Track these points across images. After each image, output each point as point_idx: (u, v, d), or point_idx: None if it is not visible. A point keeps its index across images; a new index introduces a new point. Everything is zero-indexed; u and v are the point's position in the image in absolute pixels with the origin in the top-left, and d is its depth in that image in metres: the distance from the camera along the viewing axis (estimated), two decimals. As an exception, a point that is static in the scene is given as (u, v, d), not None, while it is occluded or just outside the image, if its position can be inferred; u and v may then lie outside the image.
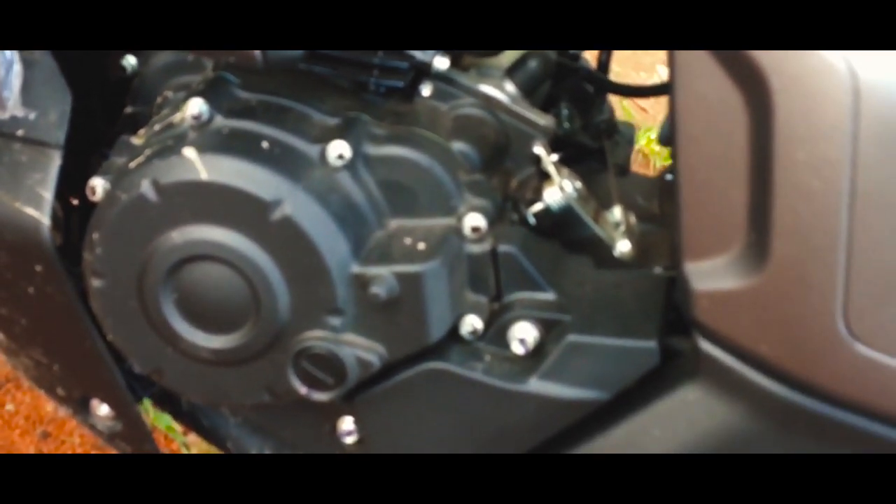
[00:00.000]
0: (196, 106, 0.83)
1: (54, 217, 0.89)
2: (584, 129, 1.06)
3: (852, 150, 0.68)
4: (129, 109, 0.96)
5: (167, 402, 1.04)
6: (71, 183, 0.92)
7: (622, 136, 1.13)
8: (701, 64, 0.72)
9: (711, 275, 0.77)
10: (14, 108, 0.90)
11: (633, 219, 0.92)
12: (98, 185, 0.86)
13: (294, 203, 0.80)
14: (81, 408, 1.01)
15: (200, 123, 0.83)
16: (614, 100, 1.26)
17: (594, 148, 1.04)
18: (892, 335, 0.73)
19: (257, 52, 0.77)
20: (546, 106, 1.02)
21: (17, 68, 0.90)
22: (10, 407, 1.66)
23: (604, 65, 1.10)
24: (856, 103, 0.68)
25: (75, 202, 0.97)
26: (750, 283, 0.75)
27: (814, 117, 0.69)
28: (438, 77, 0.90)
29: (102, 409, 1.00)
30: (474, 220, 0.84)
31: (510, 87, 0.91)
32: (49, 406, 1.59)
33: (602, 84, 1.09)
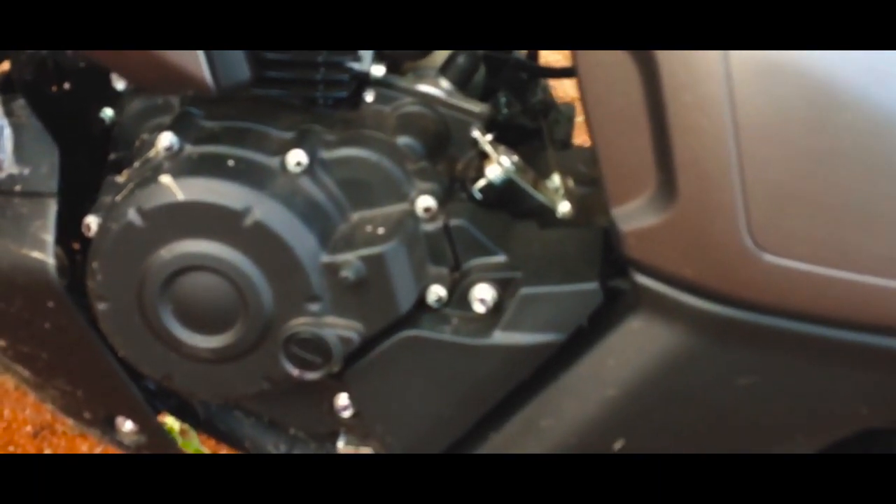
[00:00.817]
0: (167, 139, 0.93)
1: (58, 257, 0.99)
2: (523, 112, 1.15)
3: (728, 87, 0.77)
4: (112, 156, 1.04)
5: (185, 412, 1.13)
6: (70, 227, 1.02)
7: (562, 114, 1.23)
8: None
9: (634, 215, 0.85)
10: (9, 167, 1.00)
11: (571, 183, 1.02)
12: (92, 222, 0.96)
13: (262, 209, 0.90)
14: (108, 427, 1.11)
15: (173, 153, 0.93)
16: (561, 81, 1.36)
17: (533, 128, 1.14)
18: (792, 242, 0.81)
19: (210, 81, 0.87)
20: (485, 96, 1.12)
21: (7, 132, 1.00)
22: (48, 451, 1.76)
23: (533, 53, 1.20)
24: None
25: (76, 246, 1.06)
26: (666, 217, 0.84)
27: (692, 65, 0.78)
28: (378, 83, 0.99)
29: (127, 426, 1.10)
30: (425, 202, 0.93)
31: (444, 83, 1.01)
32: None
33: (532, 70, 1.19)
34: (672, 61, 0.79)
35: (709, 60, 0.78)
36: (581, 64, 0.84)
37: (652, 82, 0.80)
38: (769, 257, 0.82)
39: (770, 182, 0.80)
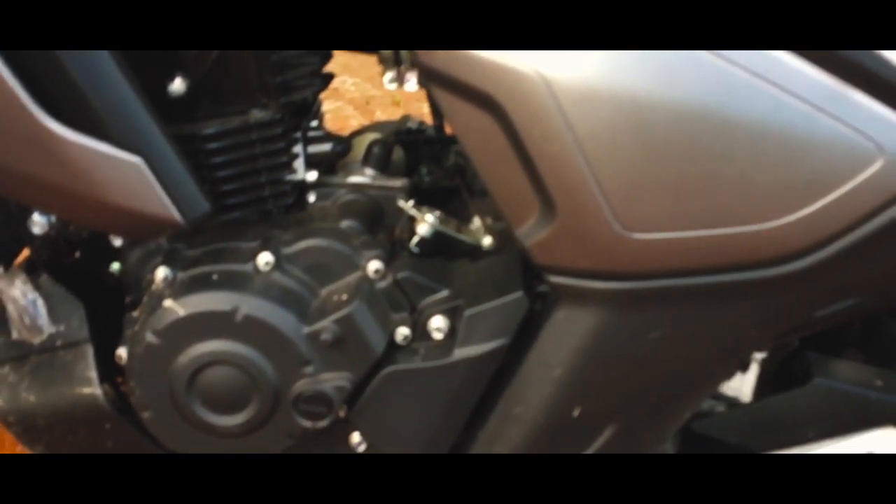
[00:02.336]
0: (162, 272, 1.14)
1: (105, 388, 1.20)
2: (444, 175, 1.36)
3: (562, 116, 0.96)
4: (127, 299, 1.23)
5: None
6: (107, 362, 1.22)
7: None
8: (454, 104, 1.02)
9: (532, 232, 1.03)
10: (48, 328, 1.21)
11: (489, 221, 1.21)
12: (122, 353, 1.17)
13: (247, 305, 1.10)
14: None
15: (169, 282, 1.14)
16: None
17: (454, 186, 1.34)
18: (649, 219, 0.99)
19: (178, 217, 1.06)
20: (409, 171, 1.32)
21: (40, 302, 1.21)
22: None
23: (439, 127, 1.41)
24: (550, 89, 0.96)
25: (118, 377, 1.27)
26: (554, 226, 1.01)
27: (531, 106, 0.96)
28: (315, 185, 1.20)
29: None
30: (374, 266, 1.14)
31: (368, 170, 1.22)
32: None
33: (443, 140, 1.40)
34: (516, 107, 0.97)
35: (541, 98, 0.96)
36: (455, 125, 1.04)
37: (509, 128, 0.99)
38: (637, 235, 1.00)
39: (618, 179, 0.98)
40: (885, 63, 0.93)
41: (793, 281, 1.03)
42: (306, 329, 1.12)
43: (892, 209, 0.98)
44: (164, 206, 1.07)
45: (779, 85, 0.94)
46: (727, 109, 0.95)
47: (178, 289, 1.13)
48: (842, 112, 0.95)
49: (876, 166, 0.96)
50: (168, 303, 1.11)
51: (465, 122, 1.02)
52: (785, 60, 0.94)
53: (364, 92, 2.89)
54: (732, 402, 1.26)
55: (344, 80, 2.95)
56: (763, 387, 1.26)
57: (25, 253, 1.28)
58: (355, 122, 2.53)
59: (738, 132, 0.95)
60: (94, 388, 1.19)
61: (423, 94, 1.18)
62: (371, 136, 1.29)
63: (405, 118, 1.42)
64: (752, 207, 0.98)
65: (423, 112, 1.49)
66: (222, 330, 1.12)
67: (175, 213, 1.07)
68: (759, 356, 1.27)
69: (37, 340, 1.21)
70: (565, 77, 0.96)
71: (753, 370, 1.28)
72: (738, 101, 0.95)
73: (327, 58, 1.23)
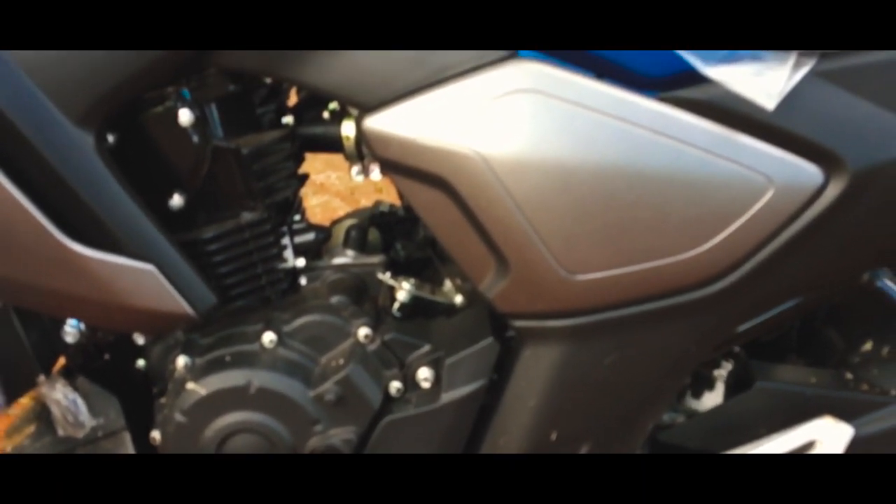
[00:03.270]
0: (182, 360, 1.30)
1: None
2: (417, 248, 1.52)
3: (503, 186, 1.12)
4: (154, 390, 1.39)
5: None
6: (144, 446, 1.38)
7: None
8: (411, 186, 1.18)
9: (492, 286, 1.20)
10: (89, 423, 1.38)
11: (459, 282, 1.38)
12: (156, 434, 1.32)
13: (258, 379, 1.26)
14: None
15: (189, 368, 1.30)
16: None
17: (426, 256, 1.49)
18: (587, 262, 1.15)
19: (191, 311, 1.22)
20: (386, 247, 1.47)
21: (80, 401, 1.38)
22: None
23: (407, 207, 1.57)
24: (488, 164, 1.11)
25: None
26: (510, 279, 1.18)
27: (475, 181, 1.13)
28: (305, 270, 1.37)
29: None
30: (363, 332, 1.30)
31: (349, 251, 1.38)
32: None
33: (411, 219, 1.54)
34: (462, 183, 1.13)
35: (482, 173, 1.11)
36: (414, 204, 1.19)
37: (459, 201, 1.15)
38: (580, 276, 1.16)
39: (556, 232, 1.15)
40: (761, 108, 1.10)
41: (717, 300, 1.19)
42: (311, 393, 1.28)
43: (789, 229, 1.15)
44: (177, 303, 1.23)
45: (676, 138, 1.11)
46: (636, 164, 1.11)
47: (198, 372, 1.29)
48: (733, 154, 1.12)
49: (768, 195, 1.12)
50: (190, 385, 1.27)
51: (422, 200, 1.18)
52: (678, 116, 1.11)
53: (347, 183, 3.06)
54: (691, 413, 1.41)
55: (328, 174, 3.12)
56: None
57: (62, 360, 1.44)
58: (342, 212, 2.72)
59: (648, 181, 1.12)
60: None
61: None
62: (349, 222, 1.45)
63: (377, 203, 1.58)
64: (670, 242, 1.15)
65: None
66: (239, 403, 1.28)
67: (188, 308, 1.23)
68: (722, 372, 1.43)
69: (80, 434, 1.37)
70: (499, 153, 1.12)
71: (720, 388, 1.44)
72: (645, 155, 1.11)
73: (301, 161, 1.40)
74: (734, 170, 1.12)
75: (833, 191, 1.13)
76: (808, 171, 1.13)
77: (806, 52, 1.09)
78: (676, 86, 1.12)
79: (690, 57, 1.08)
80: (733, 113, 1.11)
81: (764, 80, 1.09)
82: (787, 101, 1.09)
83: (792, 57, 1.09)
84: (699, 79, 1.09)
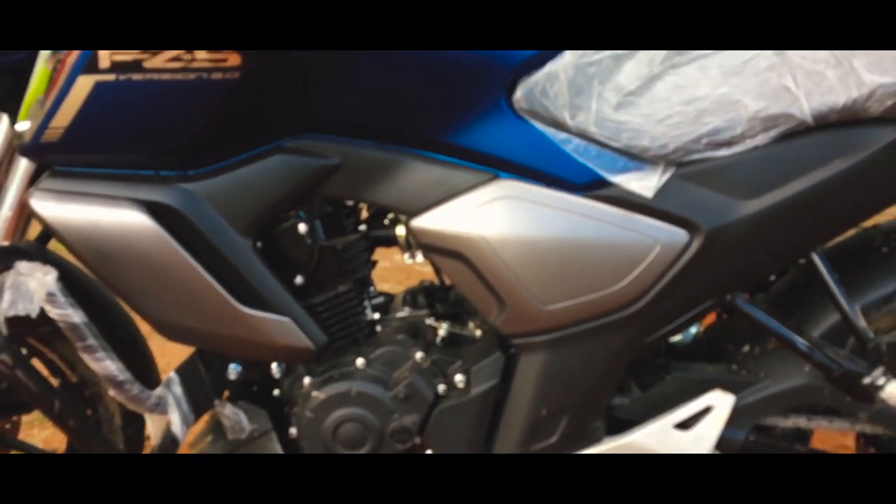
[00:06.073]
0: (307, 379, 1.93)
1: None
2: (450, 305, 2.13)
3: (496, 254, 1.73)
4: (285, 409, 2.05)
5: None
6: (286, 442, 2.02)
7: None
8: (441, 259, 1.84)
9: (497, 318, 1.75)
10: (248, 427, 1.99)
11: (477, 322, 2.00)
12: (293, 430, 1.95)
13: (357, 386, 1.87)
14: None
15: (311, 384, 1.93)
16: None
17: (456, 311, 2.11)
18: (551, 296, 1.71)
19: (311, 345, 1.87)
20: (430, 304, 2.04)
21: (241, 414, 2.00)
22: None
23: (442, 280, 2.21)
24: (488, 242, 1.75)
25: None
26: (508, 311, 1.73)
27: (482, 254, 1.73)
28: (379, 321, 2.01)
29: None
30: (419, 356, 1.89)
31: (406, 308, 1.98)
32: None
33: (446, 287, 2.19)
34: (473, 254, 1.65)
35: (485, 247, 1.66)
36: (444, 270, 1.79)
37: (471, 266, 1.68)
38: (549, 306, 1.70)
39: (532, 279, 1.69)
40: (645, 197, 1.75)
41: (636, 316, 1.75)
42: (389, 394, 1.89)
43: (672, 270, 1.71)
44: (303, 341, 1.77)
45: (597, 219, 1.70)
46: (575, 236, 1.67)
47: (318, 385, 1.90)
48: (632, 226, 1.69)
49: (657, 250, 1.69)
50: (314, 393, 1.91)
51: (449, 268, 1.73)
52: (597, 205, 1.70)
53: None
54: (635, 395, 2.02)
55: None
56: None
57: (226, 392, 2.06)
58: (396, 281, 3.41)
59: (583, 246, 1.68)
60: (280, 453, 1.97)
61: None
62: (404, 292, 2.04)
63: (422, 280, 2.05)
64: (601, 281, 1.72)
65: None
66: (345, 402, 1.88)
67: (310, 344, 1.76)
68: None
69: (242, 436, 1.99)
70: (494, 235, 1.66)
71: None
72: (580, 230, 1.68)
73: (372, 252, 2.02)
74: (634, 236, 1.68)
75: (695, 245, 1.66)
76: (678, 234, 1.67)
77: (671, 161, 1.74)
78: (594, 188, 1.66)
79: (600, 169, 1.75)
80: (629, 201, 1.65)
81: (645, 180, 1.74)
82: (661, 192, 1.69)
83: (661, 164, 1.74)
84: (607, 182, 1.70)
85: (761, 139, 1.63)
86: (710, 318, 2.07)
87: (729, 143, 1.63)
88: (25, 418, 2.16)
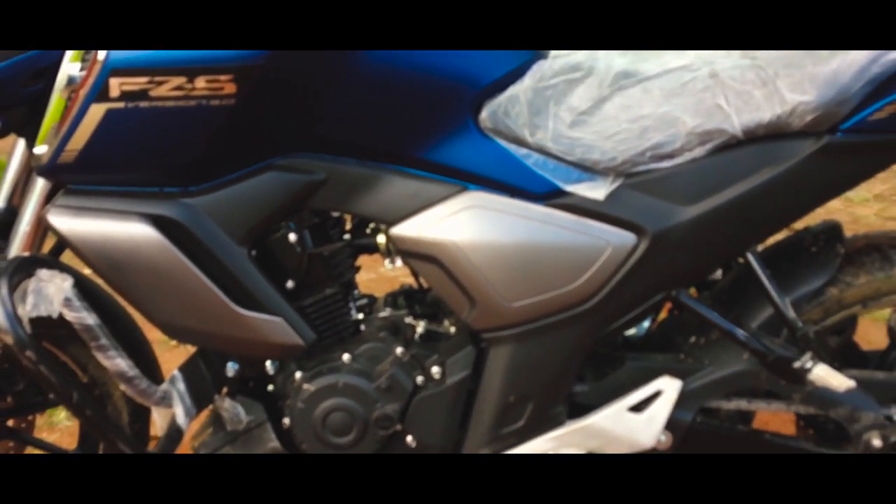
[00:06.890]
0: (298, 373, 2.11)
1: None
2: (427, 305, 2.32)
3: (467, 258, 1.94)
4: (279, 403, 2.24)
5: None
6: (280, 433, 2.19)
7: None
8: (418, 263, 2.03)
9: (468, 315, 1.99)
10: (245, 419, 2.18)
11: (451, 320, 2.19)
12: (286, 420, 2.12)
13: (343, 378, 2.05)
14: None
15: (302, 377, 2.11)
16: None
17: (432, 311, 2.31)
18: (517, 295, 1.91)
19: (301, 341, 2.06)
20: (409, 305, 2.28)
21: (240, 408, 2.17)
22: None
23: (420, 284, 2.40)
24: (458, 246, 1.94)
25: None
26: (477, 309, 1.92)
27: (453, 257, 1.95)
28: (363, 321, 2.20)
29: None
30: (399, 350, 2.11)
31: (387, 309, 2.18)
32: None
33: (424, 290, 2.38)
34: (446, 258, 1.85)
35: (456, 252, 1.90)
36: (421, 274, 1.98)
37: (445, 269, 1.89)
38: (514, 303, 1.86)
39: (499, 280, 1.85)
40: (599, 202, 1.94)
41: (592, 311, 1.92)
42: (373, 385, 2.08)
43: (622, 269, 1.90)
44: (294, 339, 1.91)
45: (555, 224, 1.88)
46: (535, 239, 1.86)
47: (308, 378, 2.07)
48: (586, 231, 1.86)
49: (608, 251, 1.87)
50: (305, 385, 2.10)
51: (426, 271, 1.89)
52: (556, 213, 1.88)
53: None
54: (593, 384, 2.20)
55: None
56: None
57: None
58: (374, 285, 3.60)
59: (543, 249, 1.85)
60: (274, 443, 2.12)
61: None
62: (385, 294, 2.24)
63: (402, 285, 2.18)
64: (560, 280, 1.89)
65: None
66: (333, 393, 2.06)
67: (300, 341, 1.90)
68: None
69: (240, 428, 2.15)
70: (464, 240, 1.82)
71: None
72: (540, 235, 1.85)
73: (356, 258, 2.18)
74: (588, 239, 1.84)
75: (643, 246, 1.82)
76: (627, 237, 1.84)
77: (619, 172, 1.92)
78: (552, 197, 1.82)
79: (557, 181, 1.93)
80: (584, 208, 1.82)
81: (597, 190, 1.91)
82: (611, 200, 1.86)
83: (611, 175, 1.92)
84: (564, 192, 1.85)
85: (698, 152, 1.80)
86: (663, 314, 2.25)
87: (670, 156, 1.80)
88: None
